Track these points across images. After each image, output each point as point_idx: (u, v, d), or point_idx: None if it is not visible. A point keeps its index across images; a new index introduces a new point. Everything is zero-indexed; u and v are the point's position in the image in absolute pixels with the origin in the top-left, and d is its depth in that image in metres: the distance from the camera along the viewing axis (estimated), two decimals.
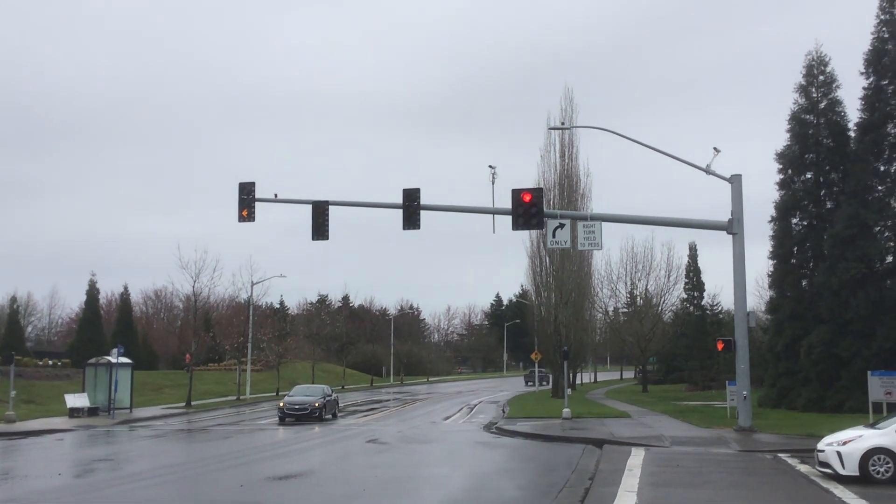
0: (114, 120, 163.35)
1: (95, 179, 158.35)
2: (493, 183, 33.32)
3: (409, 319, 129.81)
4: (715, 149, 30.40)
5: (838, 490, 16.66)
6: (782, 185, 41.17)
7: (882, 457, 17.45)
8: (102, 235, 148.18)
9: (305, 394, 40.77)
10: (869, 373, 28.26)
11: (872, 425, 19.36)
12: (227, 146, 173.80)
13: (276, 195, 35.30)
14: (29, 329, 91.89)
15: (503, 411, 44.23)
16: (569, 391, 41.80)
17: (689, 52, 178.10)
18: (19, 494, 17.51)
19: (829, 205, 40.03)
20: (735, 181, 30.35)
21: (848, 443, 18.00)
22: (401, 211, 32.66)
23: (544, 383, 77.43)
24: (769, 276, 43.96)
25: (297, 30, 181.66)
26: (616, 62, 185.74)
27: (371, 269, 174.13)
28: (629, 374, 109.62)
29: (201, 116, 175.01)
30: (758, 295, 64.52)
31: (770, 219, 41.68)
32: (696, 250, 71.64)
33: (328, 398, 40.69)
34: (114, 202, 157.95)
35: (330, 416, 40.27)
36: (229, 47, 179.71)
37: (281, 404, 39.67)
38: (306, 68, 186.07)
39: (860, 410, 30.92)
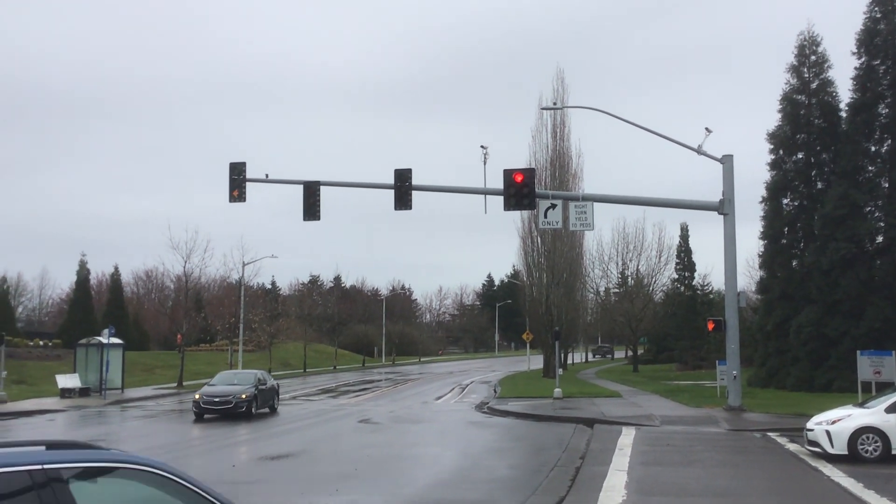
0: (101, 99, 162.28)
1: (84, 159, 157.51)
2: (484, 163, 33.24)
3: (400, 300, 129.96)
4: (706, 129, 30.41)
5: (827, 469, 16.80)
6: (773, 165, 41.22)
7: (871, 436, 17.59)
8: (92, 216, 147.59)
9: (230, 382, 32.70)
10: (858, 352, 28.44)
11: (861, 404, 19.50)
12: (218, 127, 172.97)
13: (267, 175, 35.17)
14: (19, 310, 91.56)
15: (495, 391, 44.43)
16: (560, 371, 41.96)
17: (681, 32, 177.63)
18: None
19: (819, 185, 40.12)
20: (726, 162, 30.37)
21: (837, 422, 18.13)
22: (392, 191, 32.57)
23: (608, 356, 76.95)
24: (760, 256, 44.13)
25: (289, 10, 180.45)
26: (607, 42, 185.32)
27: (363, 249, 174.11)
28: (620, 353, 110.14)
29: (189, 97, 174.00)
30: (748, 275, 64.79)
31: (761, 199, 41.78)
32: (687, 231, 71.90)
33: (263, 387, 32.86)
34: (103, 182, 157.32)
35: (266, 410, 33.08)
36: (221, 28, 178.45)
37: (196, 396, 31.03)
38: (297, 49, 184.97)
39: (849, 390, 31.15)
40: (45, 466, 4.24)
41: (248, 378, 33.21)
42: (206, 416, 30.30)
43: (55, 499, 4.12)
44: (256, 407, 31.61)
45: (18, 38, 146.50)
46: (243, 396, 30.78)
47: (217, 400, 30.51)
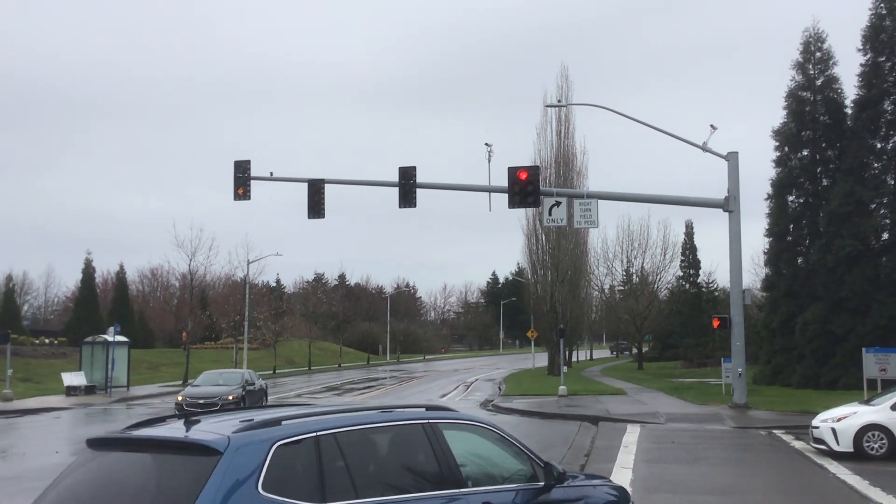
0: (106, 98, 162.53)
1: (89, 158, 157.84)
2: (489, 161, 33.26)
3: (405, 298, 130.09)
4: (712, 126, 30.35)
5: (833, 466, 16.77)
6: (779, 162, 41.13)
7: (876, 433, 17.55)
8: (98, 214, 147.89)
9: (216, 382, 30.83)
10: (864, 349, 28.34)
11: (867, 402, 19.46)
12: (223, 125, 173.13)
13: (271, 173, 35.20)
14: (25, 308, 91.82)
15: (499, 389, 44.42)
16: (565, 368, 41.93)
17: (686, 29, 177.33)
18: (17, 472, 17.56)
19: (825, 182, 40.01)
20: (731, 159, 30.29)
21: (842, 419, 18.09)
22: (397, 189, 32.57)
23: (626, 353, 76.71)
24: (765, 253, 44.04)
25: (292, 8, 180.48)
26: (612, 40, 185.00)
27: (367, 247, 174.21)
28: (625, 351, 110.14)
29: (193, 96, 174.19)
30: (753, 272, 64.57)
31: (766, 196, 41.71)
32: (692, 228, 71.72)
33: (251, 388, 30.91)
34: (108, 181, 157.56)
35: None
36: (225, 27, 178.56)
37: (179, 398, 29.43)
38: (301, 48, 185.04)
39: (855, 387, 31.06)
40: (430, 421, 6.66)
41: (235, 378, 31.21)
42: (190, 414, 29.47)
43: (436, 440, 6.50)
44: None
45: (23, 38, 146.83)
46: (230, 398, 28.53)
47: (201, 402, 28.11)
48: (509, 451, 7.14)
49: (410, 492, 6.07)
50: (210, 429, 5.77)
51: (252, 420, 5.78)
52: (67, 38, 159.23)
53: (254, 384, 31.69)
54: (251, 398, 30.28)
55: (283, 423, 5.76)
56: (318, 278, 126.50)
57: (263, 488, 5.21)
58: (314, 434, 5.72)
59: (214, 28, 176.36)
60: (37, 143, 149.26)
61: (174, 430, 5.95)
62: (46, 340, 60.89)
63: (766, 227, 41.90)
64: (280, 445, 5.47)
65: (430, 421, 6.65)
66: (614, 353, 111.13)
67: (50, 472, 17.52)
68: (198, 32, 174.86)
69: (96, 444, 6.11)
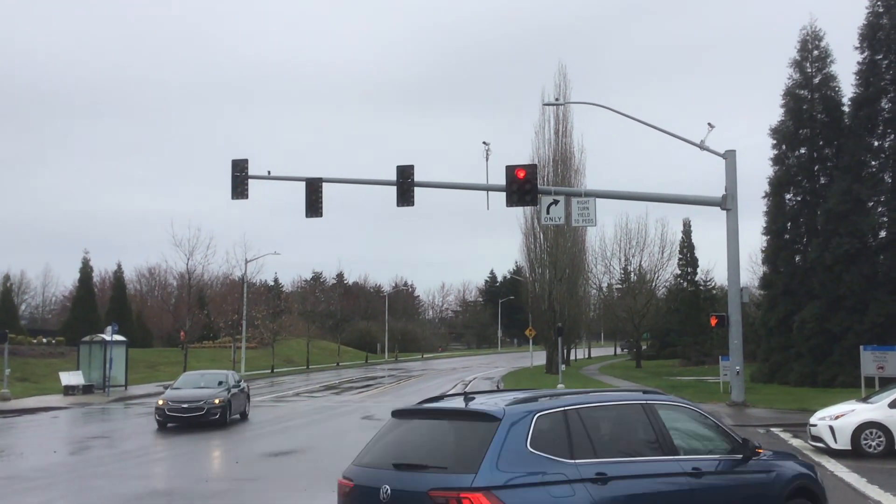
0: (104, 96, 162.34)
1: (86, 157, 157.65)
2: (487, 159, 33.23)
3: (403, 296, 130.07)
4: (709, 124, 30.34)
5: (830, 464, 16.79)
6: (776, 160, 41.17)
7: (874, 431, 17.58)
8: (95, 213, 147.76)
9: (197, 384, 28.06)
10: (861, 347, 28.39)
11: (864, 399, 19.48)
12: (220, 124, 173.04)
13: (269, 172, 35.15)
14: (23, 307, 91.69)
15: (497, 387, 44.43)
16: (563, 367, 41.96)
17: (684, 28, 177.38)
18: (15, 472, 17.55)
19: (822, 180, 40.06)
20: (729, 157, 30.29)
21: (840, 417, 18.12)
22: (395, 188, 32.55)
23: (635, 350, 76.42)
24: (763, 251, 44.10)
25: (291, 7, 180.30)
26: (609, 38, 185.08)
27: (365, 245, 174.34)
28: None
29: (192, 94, 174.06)
30: (751, 270, 64.69)
31: (764, 194, 41.76)
32: (690, 226, 71.85)
33: (235, 390, 28.06)
34: (106, 180, 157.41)
35: (237, 416, 28.29)
36: (223, 25, 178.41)
37: (160, 402, 26.32)
38: (299, 46, 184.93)
39: (852, 385, 31.10)
40: (647, 402, 8.40)
41: (217, 380, 28.35)
42: (169, 424, 25.68)
43: (653, 416, 8.18)
44: (230, 413, 27.03)
45: (22, 36, 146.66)
46: (216, 402, 26.08)
47: (186, 406, 25.66)
48: (712, 429, 8.83)
49: (634, 455, 7.84)
50: (486, 403, 7.79)
51: (516, 398, 7.88)
52: (66, 37, 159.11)
53: (238, 386, 28.89)
54: (236, 401, 27.82)
55: (539, 400, 7.82)
56: (317, 277, 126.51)
57: (530, 445, 7.13)
58: (563, 409, 7.65)
59: (213, 26, 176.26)
60: (34, 142, 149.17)
61: (457, 403, 8.00)
62: (44, 340, 60.80)
63: (764, 225, 41.97)
64: (539, 416, 7.41)
65: (648, 402, 8.41)
66: (624, 349, 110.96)
67: (48, 472, 17.60)
68: (196, 31, 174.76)
69: (400, 414, 8.38)
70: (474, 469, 6.82)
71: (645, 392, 8.92)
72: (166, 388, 30.14)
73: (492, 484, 6.73)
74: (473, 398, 8.07)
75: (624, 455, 7.75)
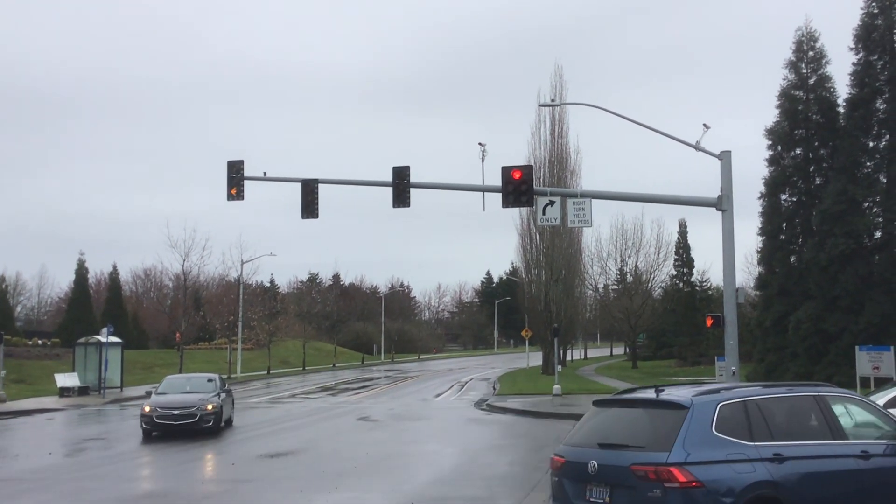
0: (99, 98, 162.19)
1: (82, 158, 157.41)
2: (483, 160, 33.11)
3: (399, 297, 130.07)
4: (704, 125, 30.25)
5: None
6: (772, 161, 41.22)
7: None
8: (91, 215, 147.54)
9: (183, 389, 25.79)
10: (857, 348, 28.46)
11: None
12: (216, 125, 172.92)
13: (265, 173, 35.01)
14: (18, 309, 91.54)
15: (494, 388, 44.45)
16: (559, 368, 42.00)
17: (680, 28, 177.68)
18: (11, 474, 17.52)
19: (818, 181, 40.11)
20: (724, 157, 30.28)
21: None
22: (391, 189, 32.54)
23: (638, 350, 75.38)
24: (758, 252, 44.11)
25: (287, 8, 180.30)
26: (606, 39, 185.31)
27: (361, 247, 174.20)
28: (619, 350, 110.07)
29: (187, 96, 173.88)
30: (747, 271, 64.78)
31: (759, 195, 41.76)
32: (685, 227, 71.88)
33: (222, 395, 25.76)
34: (101, 181, 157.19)
35: (223, 424, 25.64)
36: (219, 26, 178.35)
37: (147, 408, 24.06)
38: (295, 47, 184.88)
39: (848, 385, 31.06)
40: (818, 393, 9.65)
41: (206, 384, 26.13)
42: (155, 432, 23.74)
43: (824, 405, 9.41)
44: (221, 421, 24.96)
45: (19, 38, 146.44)
46: (209, 408, 23.95)
47: (176, 413, 23.50)
48: (879, 417, 9.95)
49: (807, 439, 9.06)
50: (676, 394, 9.14)
51: (702, 390, 9.26)
52: (61, 38, 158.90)
53: (225, 389, 26.79)
54: (225, 406, 25.74)
55: (721, 391, 9.18)
56: (313, 278, 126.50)
57: (715, 429, 8.49)
58: (743, 399, 8.99)
59: (209, 26, 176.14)
60: (29, 144, 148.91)
61: (649, 394, 9.50)
62: (40, 341, 60.74)
63: (760, 225, 41.98)
64: (722, 405, 8.78)
65: (819, 393, 9.65)
66: (627, 349, 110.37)
67: (43, 474, 17.57)
68: (191, 31, 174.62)
69: (601, 403, 9.93)
70: (668, 448, 8.25)
71: (815, 385, 10.37)
72: (148, 393, 27.18)
73: (683, 460, 8.13)
74: (664, 390, 9.51)
75: (798, 439, 9.00)
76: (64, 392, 40.88)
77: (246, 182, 34.38)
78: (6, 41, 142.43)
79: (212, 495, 14.82)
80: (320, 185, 33.93)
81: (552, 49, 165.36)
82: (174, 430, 23.67)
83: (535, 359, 72.03)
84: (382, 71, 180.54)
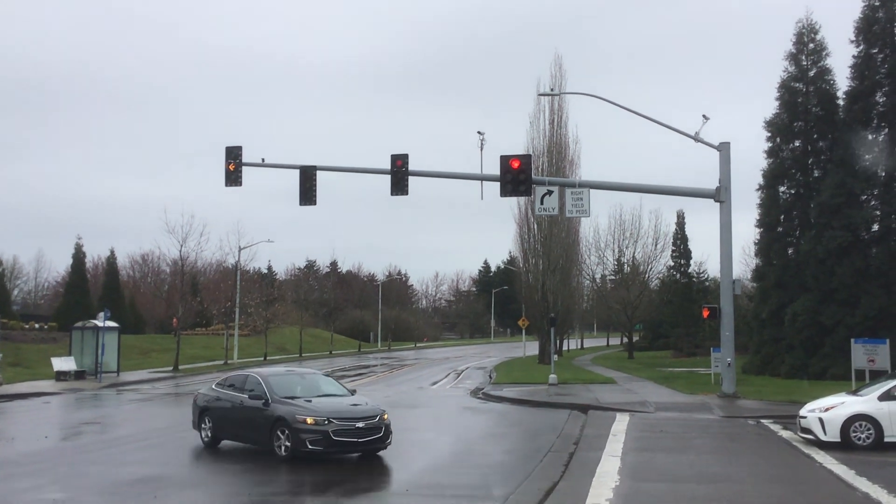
0: (98, 82, 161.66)
1: (80, 142, 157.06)
2: (481, 149, 33.20)
3: (396, 285, 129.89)
4: (704, 116, 30.39)
5: (819, 455, 16.88)
6: (770, 153, 41.22)
7: (863, 423, 17.67)
8: (89, 199, 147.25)
9: (318, 390, 18.29)
10: (852, 340, 28.53)
11: (854, 392, 19.58)
12: (215, 111, 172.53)
13: (263, 160, 35.08)
14: (15, 292, 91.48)
15: (490, 377, 44.48)
16: (555, 357, 42.04)
17: (681, 18, 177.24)
18: (6, 457, 17.54)
19: (816, 173, 40.13)
20: (723, 149, 30.34)
21: (830, 409, 18.21)
22: (389, 177, 32.53)
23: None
24: (756, 244, 44.18)
25: None
26: (606, 28, 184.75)
27: (359, 234, 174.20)
28: (616, 340, 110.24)
29: (186, 80, 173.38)
30: (744, 263, 64.92)
31: (758, 187, 41.80)
32: (683, 218, 71.88)
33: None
34: (99, 166, 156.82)
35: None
36: (220, 11, 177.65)
37: (309, 420, 16.30)
38: (295, 34, 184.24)
39: (843, 378, 31.25)
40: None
41: (333, 383, 19.42)
42: (332, 453, 16.52)
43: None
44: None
45: (18, 20, 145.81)
46: (385, 417, 17.36)
47: (361, 426, 16.52)
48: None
49: None
50: None
51: None
52: (62, 21, 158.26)
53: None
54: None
55: None
56: (310, 265, 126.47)
57: None
58: None
59: (208, 13, 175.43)
60: (28, 128, 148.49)
61: None
62: (36, 325, 60.69)
63: (757, 217, 42.03)
64: None
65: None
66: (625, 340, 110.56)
67: (39, 457, 17.58)
68: (193, 18, 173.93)
69: None
70: None
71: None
72: (260, 398, 17.50)
73: None
74: None
75: None
76: (60, 376, 40.89)
77: (244, 168, 34.44)
78: (4, 22, 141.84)
79: (206, 480, 14.85)
80: (318, 173, 33.97)
81: (552, 39, 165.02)
82: (357, 450, 16.86)
83: (532, 348, 72.08)
84: (382, 60, 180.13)
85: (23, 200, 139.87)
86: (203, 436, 18.92)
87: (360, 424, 16.46)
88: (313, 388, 18.34)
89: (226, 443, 18.74)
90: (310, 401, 17.13)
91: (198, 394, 19.95)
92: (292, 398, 17.22)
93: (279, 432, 16.44)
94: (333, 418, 16.34)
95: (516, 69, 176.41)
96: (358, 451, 16.78)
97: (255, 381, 18.01)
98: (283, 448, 16.33)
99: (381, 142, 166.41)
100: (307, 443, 16.06)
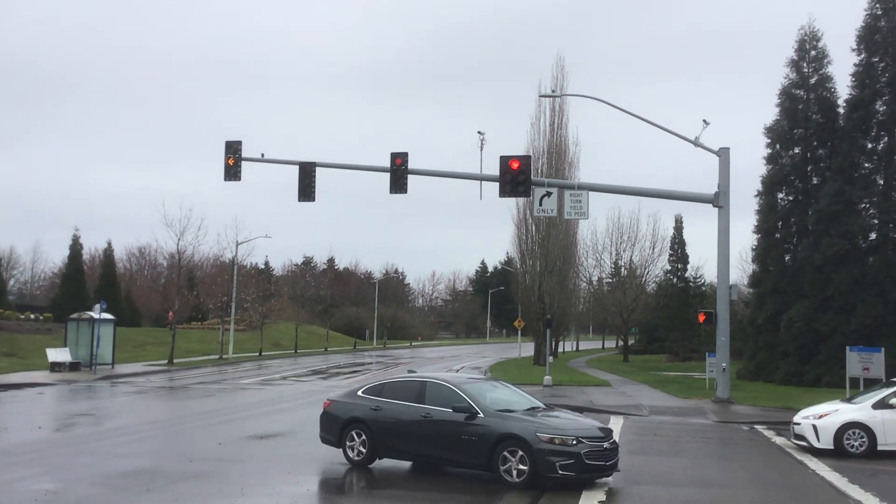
0: (97, 73, 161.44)
1: (78, 133, 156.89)
2: (481, 149, 33.21)
3: (393, 284, 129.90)
4: (704, 121, 30.42)
5: (812, 462, 16.89)
6: (770, 159, 41.26)
7: (857, 431, 17.70)
8: (86, 190, 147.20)
9: (512, 404, 15.34)
10: (847, 348, 28.56)
11: (849, 400, 19.61)
12: (215, 105, 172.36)
13: (262, 155, 35.11)
14: (11, 282, 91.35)
15: (485, 377, 44.46)
16: (550, 359, 42.05)
17: (683, 23, 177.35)
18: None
19: (815, 180, 40.17)
20: (723, 154, 30.35)
21: (824, 416, 18.23)
22: (388, 174, 32.52)
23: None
24: (753, 249, 44.22)
25: None
26: (608, 32, 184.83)
27: (357, 232, 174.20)
28: (611, 343, 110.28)
29: (186, 74, 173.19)
30: (741, 268, 64.91)
31: (756, 193, 41.88)
32: (681, 222, 72.00)
33: None
34: (97, 157, 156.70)
35: None
36: (219, 5, 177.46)
37: (557, 439, 13.79)
38: (295, 30, 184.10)
39: (837, 385, 31.28)
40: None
41: (520, 395, 16.55)
42: (581, 476, 13.83)
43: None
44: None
45: (12, 10, 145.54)
46: (615, 437, 15.68)
47: (607, 448, 14.27)
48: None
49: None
50: None
51: None
52: (61, 10, 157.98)
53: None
54: None
55: None
56: (307, 262, 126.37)
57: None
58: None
59: (209, 5, 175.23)
60: (26, 118, 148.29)
61: None
62: (32, 316, 60.64)
63: (755, 223, 42.08)
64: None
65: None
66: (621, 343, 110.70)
67: (31, 447, 17.55)
68: (194, 11, 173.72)
69: None
70: None
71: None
72: (466, 412, 14.64)
73: None
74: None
75: None
76: (55, 367, 40.85)
77: (244, 163, 34.43)
78: (3, 12, 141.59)
79: (200, 474, 14.84)
80: (318, 169, 33.96)
81: (554, 41, 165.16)
82: (605, 474, 14.45)
83: (527, 349, 72.08)
84: (384, 58, 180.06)
85: (20, 190, 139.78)
86: (351, 453, 15.69)
87: (606, 445, 14.24)
88: (507, 399, 15.78)
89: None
90: (533, 416, 14.67)
91: (332, 402, 16.67)
92: (508, 411, 14.68)
93: (507, 453, 13.91)
94: (583, 438, 13.97)
95: (519, 70, 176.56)
96: (606, 474, 14.40)
97: (450, 391, 15.09)
98: (513, 472, 13.82)
99: (382, 140, 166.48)
100: (557, 467, 13.59)
